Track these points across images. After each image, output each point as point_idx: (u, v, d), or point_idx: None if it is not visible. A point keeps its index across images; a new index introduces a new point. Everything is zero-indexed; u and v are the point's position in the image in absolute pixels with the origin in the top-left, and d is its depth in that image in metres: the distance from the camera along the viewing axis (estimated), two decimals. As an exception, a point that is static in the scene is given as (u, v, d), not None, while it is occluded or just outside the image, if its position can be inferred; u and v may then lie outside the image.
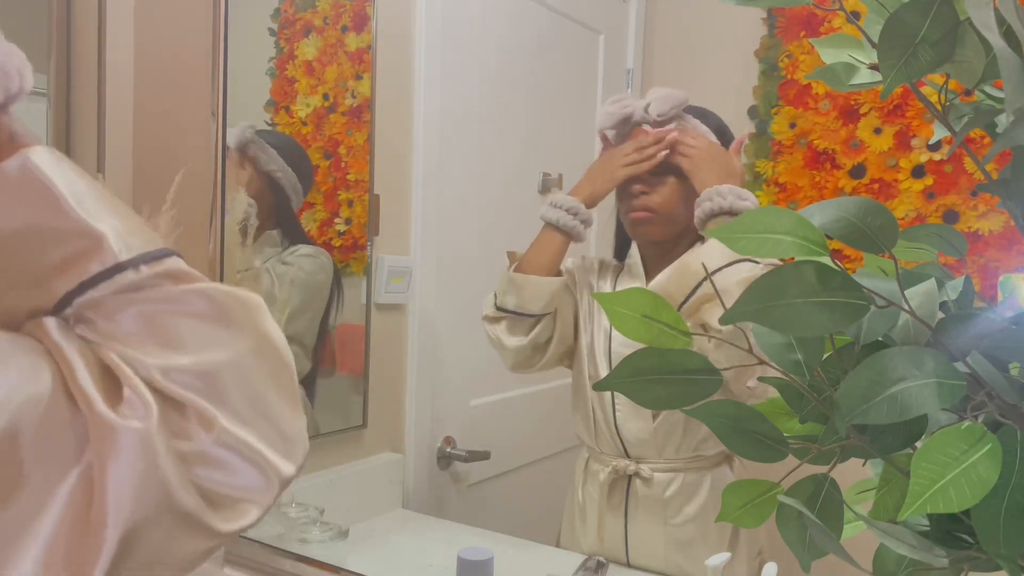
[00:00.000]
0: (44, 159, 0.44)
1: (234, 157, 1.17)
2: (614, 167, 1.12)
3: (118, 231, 0.44)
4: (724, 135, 1.14)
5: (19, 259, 0.43)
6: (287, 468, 0.46)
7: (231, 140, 1.16)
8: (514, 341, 1.14)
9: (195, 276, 0.46)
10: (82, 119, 1.20)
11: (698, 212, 1.04)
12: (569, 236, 1.13)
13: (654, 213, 1.11)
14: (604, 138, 1.17)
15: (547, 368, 1.21)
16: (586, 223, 1.13)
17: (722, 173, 1.06)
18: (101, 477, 0.39)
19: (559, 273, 1.15)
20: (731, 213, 1.01)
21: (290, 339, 1.24)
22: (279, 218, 1.24)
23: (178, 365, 0.43)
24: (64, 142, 1.19)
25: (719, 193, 1.03)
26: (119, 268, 0.43)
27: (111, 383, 0.42)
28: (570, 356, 1.22)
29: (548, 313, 1.14)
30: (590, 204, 1.13)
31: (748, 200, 1.02)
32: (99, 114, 1.21)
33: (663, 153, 1.09)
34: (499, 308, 1.14)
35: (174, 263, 0.46)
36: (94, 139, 1.20)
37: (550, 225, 1.13)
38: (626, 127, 1.14)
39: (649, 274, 1.18)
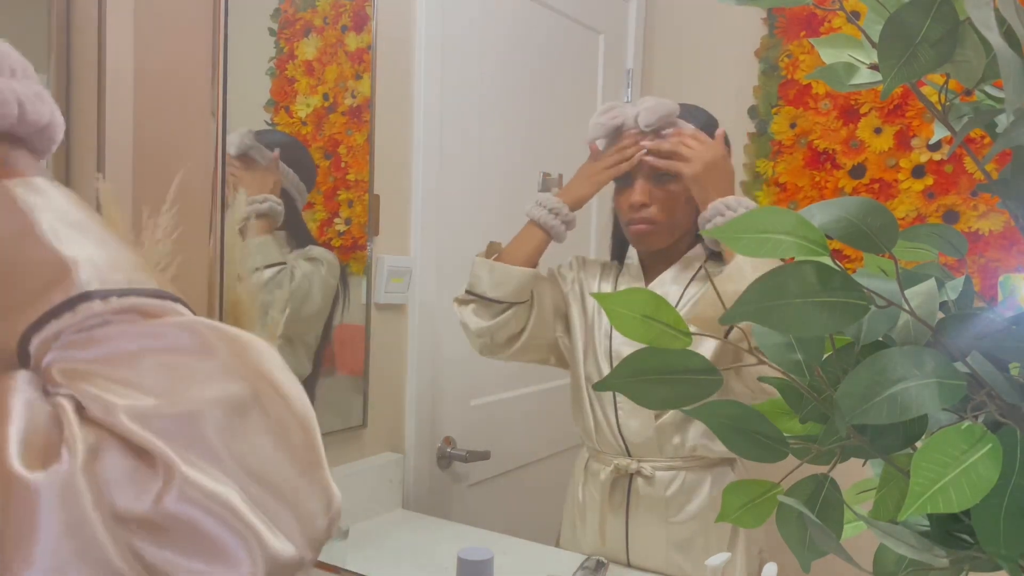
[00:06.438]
0: (23, 188, 0.41)
1: (236, 164, 1.17)
2: (597, 170, 1.15)
3: (96, 263, 0.39)
4: (711, 133, 1.14)
5: None
6: (281, 547, 0.35)
7: (231, 148, 1.15)
8: (477, 323, 1.16)
9: (179, 314, 0.40)
10: (82, 119, 1.20)
11: (709, 228, 1.06)
12: (549, 235, 1.15)
13: (656, 224, 1.13)
14: (594, 148, 1.18)
15: (519, 359, 1.22)
16: (568, 224, 1.16)
17: (722, 185, 1.08)
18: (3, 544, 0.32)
19: (535, 267, 1.17)
20: None
21: (292, 341, 1.24)
22: (285, 220, 1.23)
23: (146, 406, 0.36)
24: (64, 142, 1.19)
25: (729, 207, 1.05)
26: (84, 297, 0.38)
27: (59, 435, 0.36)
28: (554, 353, 1.24)
29: (518, 302, 1.14)
30: (575, 206, 1.16)
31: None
32: (99, 114, 1.20)
33: (641, 154, 1.12)
34: (468, 292, 1.17)
35: (155, 304, 0.40)
36: (94, 139, 1.20)
37: (533, 222, 1.16)
38: (617, 137, 1.15)
39: (648, 275, 1.19)
